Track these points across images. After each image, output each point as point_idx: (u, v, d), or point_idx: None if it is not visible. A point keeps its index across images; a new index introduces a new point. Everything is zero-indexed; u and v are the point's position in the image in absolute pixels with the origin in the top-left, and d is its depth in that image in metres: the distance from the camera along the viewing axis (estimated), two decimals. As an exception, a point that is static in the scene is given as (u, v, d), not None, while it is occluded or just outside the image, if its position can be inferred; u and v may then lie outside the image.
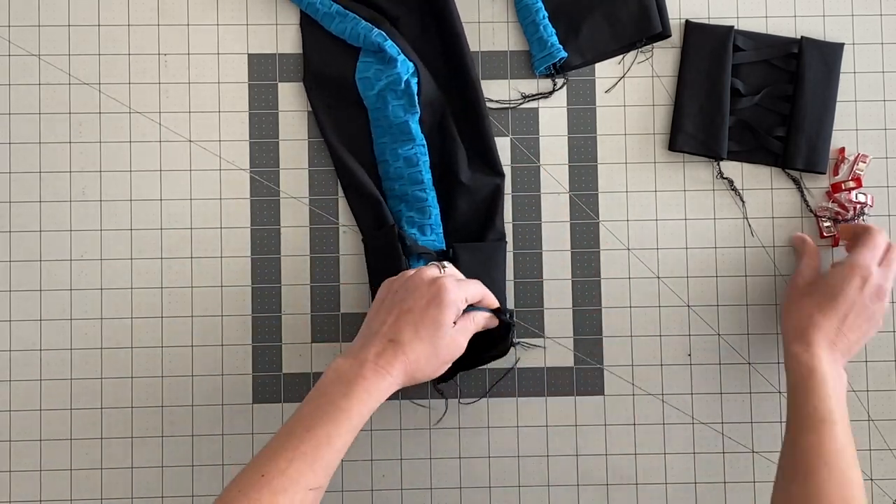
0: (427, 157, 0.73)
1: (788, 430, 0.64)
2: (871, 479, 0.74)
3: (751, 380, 0.75)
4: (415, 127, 0.72)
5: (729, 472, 0.74)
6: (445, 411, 0.74)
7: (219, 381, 0.74)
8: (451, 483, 0.74)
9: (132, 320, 0.74)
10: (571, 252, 0.75)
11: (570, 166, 0.76)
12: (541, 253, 0.75)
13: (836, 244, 0.75)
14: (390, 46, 0.72)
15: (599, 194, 0.75)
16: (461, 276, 0.67)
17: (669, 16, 0.76)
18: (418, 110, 0.72)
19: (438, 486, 0.74)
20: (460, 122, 0.74)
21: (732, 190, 0.75)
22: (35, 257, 0.74)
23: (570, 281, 0.75)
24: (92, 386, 0.74)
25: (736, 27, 0.75)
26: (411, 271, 0.64)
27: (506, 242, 0.74)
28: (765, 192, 0.76)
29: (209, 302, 0.74)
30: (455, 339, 0.62)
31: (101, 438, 0.73)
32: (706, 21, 0.76)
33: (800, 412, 0.64)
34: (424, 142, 0.73)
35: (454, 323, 0.62)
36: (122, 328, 0.74)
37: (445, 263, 0.67)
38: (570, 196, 0.75)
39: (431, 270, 0.64)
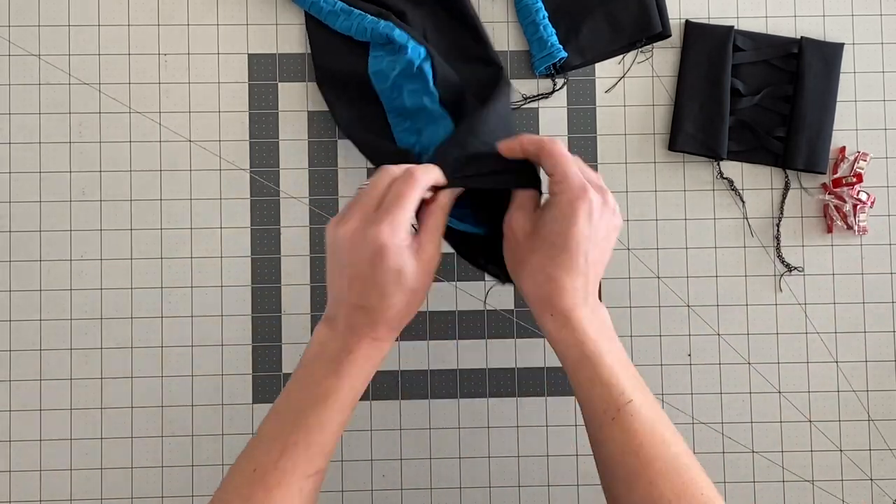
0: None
1: (588, 427, 0.55)
2: (871, 479, 0.74)
3: (751, 380, 0.75)
4: (435, 107, 0.70)
5: (729, 472, 0.74)
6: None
7: (219, 381, 0.74)
8: (451, 483, 0.74)
9: (132, 320, 0.74)
10: (571, 252, 0.75)
11: (570, 166, 0.76)
12: (541, 253, 0.75)
13: (830, 230, 0.74)
14: (399, 35, 0.70)
15: (599, 194, 0.75)
16: (383, 176, 0.55)
17: (669, 16, 0.76)
18: (436, 92, 0.70)
19: (438, 486, 0.74)
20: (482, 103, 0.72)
21: (732, 190, 0.75)
22: (35, 257, 0.74)
23: (570, 281, 0.75)
24: (92, 386, 0.74)
25: (736, 27, 0.75)
26: (337, 217, 0.55)
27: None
28: (765, 192, 0.76)
29: (209, 302, 0.74)
30: (423, 266, 0.54)
31: (101, 438, 0.74)
32: (706, 21, 0.76)
33: (591, 407, 0.54)
34: (449, 118, 0.70)
35: (412, 251, 0.54)
36: (122, 328, 0.74)
37: (366, 184, 0.56)
38: (570, 196, 0.75)
39: (352, 222, 0.54)
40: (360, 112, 0.73)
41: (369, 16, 0.72)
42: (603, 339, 0.54)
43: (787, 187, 0.75)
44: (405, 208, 0.53)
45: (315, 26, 0.75)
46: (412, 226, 0.56)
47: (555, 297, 0.54)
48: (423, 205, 0.57)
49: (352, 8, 0.73)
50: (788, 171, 0.76)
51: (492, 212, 0.60)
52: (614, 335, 0.56)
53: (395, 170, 0.55)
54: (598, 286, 0.56)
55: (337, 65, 0.74)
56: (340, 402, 0.54)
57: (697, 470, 0.52)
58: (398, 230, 0.53)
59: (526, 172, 0.59)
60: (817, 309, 0.75)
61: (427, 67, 0.70)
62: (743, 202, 0.75)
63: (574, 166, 0.55)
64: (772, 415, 0.75)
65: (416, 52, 0.70)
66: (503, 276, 0.61)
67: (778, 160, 0.75)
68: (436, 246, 0.56)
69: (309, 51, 0.75)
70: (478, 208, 0.61)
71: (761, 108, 0.75)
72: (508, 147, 0.58)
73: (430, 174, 0.55)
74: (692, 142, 0.75)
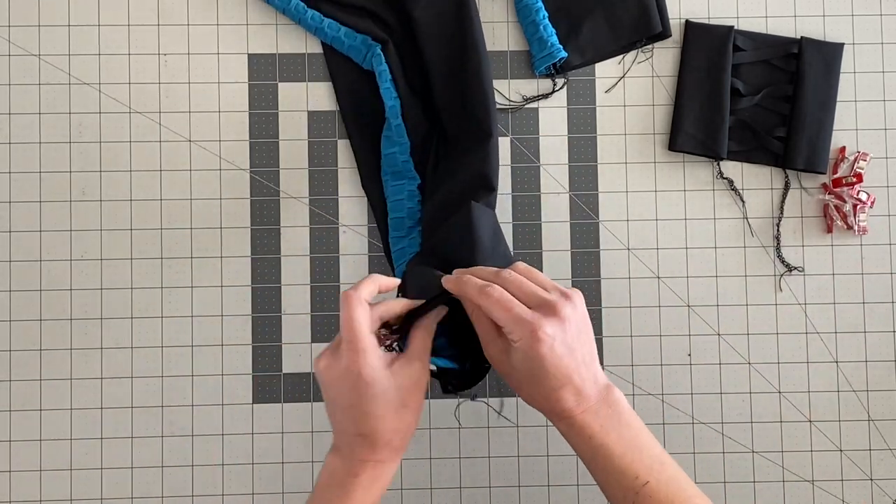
0: (418, 195, 0.73)
1: None
2: (872, 479, 0.74)
3: (751, 380, 0.75)
4: (405, 158, 0.73)
5: (729, 472, 0.74)
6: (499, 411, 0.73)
7: (219, 381, 0.74)
8: (451, 483, 0.74)
9: (132, 320, 0.74)
10: (571, 252, 0.75)
11: (570, 166, 0.76)
12: (541, 253, 0.75)
13: (830, 230, 0.74)
14: (381, 73, 0.73)
15: (599, 194, 0.75)
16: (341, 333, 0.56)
17: (669, 16, 0.76)
18: (407, 143, 0.73)
19: (438, 486, 0.74)
20: (458, 144, 0.73)
21: (732, 190, 0.75)
22: (35, 257, 0.74)
23: (570, 281, 0.75)
24: (92, 386, 0.74)
25: (736, 27, 0.75)
26: (317, 361, 0.56)
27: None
28: (765, 192, 0.76)
29: (209, 302, 0.74)
30: (410, 384, 0.56)
31: (101, 438, 0.73)
32: (706, 21, 0.76)
33: (612, 493, 0.56)
34: (416, 177, 0.73)
35: (397, 370, 0.55)
36: (122, 328, 0.74)
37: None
38: (570, 196, 0.75)
39: (324, 358, 0.56)
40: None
41: (360, 36, 0.74)
42: (611, 429, 0.56)
43: (787, 187, 0.75)
44: (358, 331, 0.54)
45: (331, 51, 0.75)
46: (395, 347, 0.58)
47: (556, 407, 0.56)
48: (411, 328, 0.58)
49: (352, 32, 0.74)
50: (788, 171, 0.76)
51: (463, 343, 0.61)
52: (623, 418, 0.56)
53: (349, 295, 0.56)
54: (596, 365, 0.57)
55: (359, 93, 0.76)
56: None
57: None
58: (366, 355, 0.54)
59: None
60: (817, 309, 0.75)
61: (398, 125, 0.72)
62: (743, 202, 0.75)
63: (515, 309, 0.55)
64: (772, 415, 0.75)
65: (392, 110, 0.72)
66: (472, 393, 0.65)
67: (778, 160, 0.75)
68: (423, 364, 0.57)
69: (315, 52, 0.75)
70: (452, 341, 0.62)
71: (761, 108, 0.75)
72: (449, 287, 0.59)
73: (366, 289, 0.56)
74: (692, 142, 0.75)
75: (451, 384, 0.61)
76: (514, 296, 0.56)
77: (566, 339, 0.55)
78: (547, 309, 0.55)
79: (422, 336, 0.57)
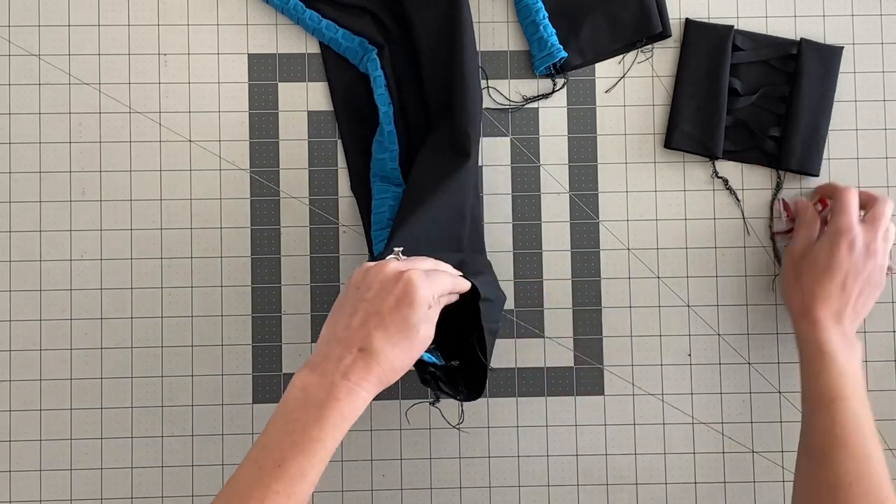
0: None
1: (804, 411, 0.65)
2: (871, 479, 0.74)
3: (751, 380, 0.75)
4: (393, 168, 0.73)
5: (729, 472, 0.74)
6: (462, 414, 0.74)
7: (219, 381, 0.74)
8: (451, 483, 0.74)
9: (132, 320, 0.74)
10: (571, 252, 0.75)
11: (570, 166, 0.76)
12: (541, 253, 0.75)
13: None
14: (376, 79, 0.73)
15: (599, 194, 0.75)
16: (422, 263, 0.59)
17: (669, 15, 0.76)
18: (396, 149, 0.73)
19: (438, 486, 0.74)
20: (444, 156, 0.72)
21: (727, 189, 0.75)
22: (35, 257, 0.74)
23: (570, 281, 0.75)
24: (92, 386, 0.74)
25: (736, 27, 0.75)
26: (370, 264, 0.57)
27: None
28: (764, 192, 0.76)
29: (209, 302, 0.74)
30: (427, 331, 0.56)
31: (101, 438, 0.74)
32: (706, 21, 0.76)
33: (811, 392, 0.64)
34: (402, 184, 0.73)
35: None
36: (122, 328, 0.74)
37: (399, 250, 0.60)
38: (570, 196, 0.75)
39: (393, 263, 0.57)
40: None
41: (357, 38, 0.74)
42: (842, 349, 0.65)
43: (778, 188, 0.75)
44: (443, 287, 0.57)
45: (328, 52, 0.75)
46: None
47: (812, 306, 0.66)
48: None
49: (350, 35, 0.74)
50: (782, 172, 0.75)
51: (450, 347, 0.63)
52: (854, 353, 0.66)
53: (444, 265, 0.60)
54: (856, 320, 0.67)
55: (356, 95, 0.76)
56: (323, 453, 0.52)
57: (882, 467, 0.60)
58: (430, 292, 0.55)
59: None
60: (817, 309, 0.75)
61: (391, 132, 0.72)
62: (738, 201, 0.75)
63: (854, 206, 0.68)
64: (772, 415, 0.75)
65: (386, 116, 0.72)
66: (460, 395, 0.63)
67: (773, 160, 0.75)
68: (433, 328, 0.56)
69: (313, 51, 0.75)
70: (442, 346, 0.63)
71: (758, 107, 0.75)
72: (822, 189, 0.73)
73: (458, 284, 0.59)
74: (688, 140, 0.75)
75: (439, 388, 0.62)
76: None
77: (859, 261, 0.66)
78: (872, 220, 0.68)
79: (434, 288, 0.57)
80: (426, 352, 0.60)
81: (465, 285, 0.60)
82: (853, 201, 0.68)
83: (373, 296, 0.55)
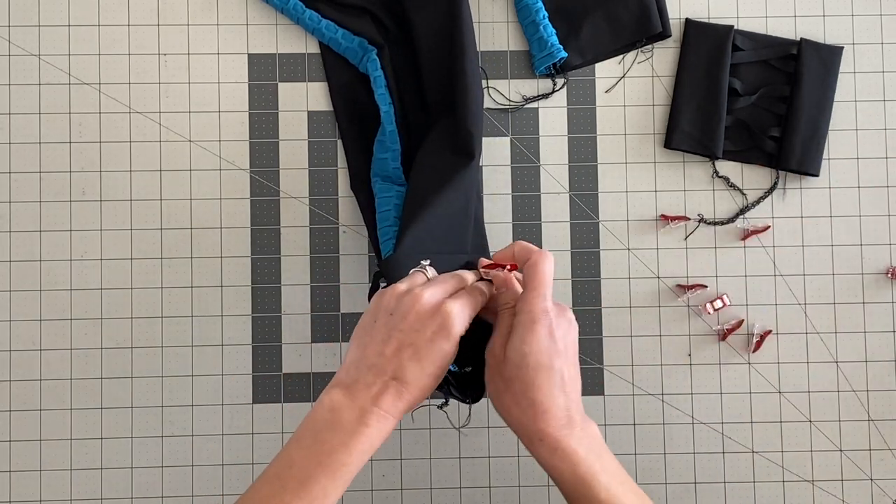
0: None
1: None
2: (871, 479, 0.74)
3: (751, 380, 0.75)
4: (396, 168, 0.73)
5: (729, 472, 0.74)
6: (469, 415, 0.73)
7: (219, 381, 0.74)
8: (451, 483, 0.74)
9: (132, 320, 0.74)
10: (571, 252, 0.75)
11: (570, 166, 0.76)
12: (541, 253, 0.75)
13: (723, 338, 0.73)
14: (376, 79, 0.73)
15: (599, 194, 0.75)
16: (448, 281, 0.57)
17: (669, 15, 0.76)
18: (399, 148, 0.73)
19: (438, 486, 0.74)
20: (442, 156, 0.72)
21: (731, 187, 0.75)
22: (35, 257, 0.74)
23: (570, 281, 0.75)
24: (92, 386, 0.74)
25: (736, 27, 0.75)
26: (403, 286, 0.55)
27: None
28: (763, 192, 0.76)
29: (209, 302, 0.74)
30: (454, 350, 0.55)
31: (101, 438, 0.74)
32: (706, 21, 0.76)
33: None
34: (405, 183, 0.73)
35: None
36: (122, 328, 0.74)
37: (427, 265, 0.59)
38: (570, 196, 0.75)
39: (429, 292, 0.54)
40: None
41: (356, 38, 0.74)
42: (595, 459, 0.54)
43: (773, 187, 0.75)
44: (476, 301, 0.56)
45: (328, 52, 0.75)
46: None
47: (540, 421, 0.54)
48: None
49: (350, 35, 0.74)
50: (780, 172, 0.75)
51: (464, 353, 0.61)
52: (605, 451, 0.55)
53: (468, 276, 0.58)
54: (579, 398, 0.56)
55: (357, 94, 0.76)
56: (348, 476, 0.52)
57: None
58: (467, 317, 0.54)
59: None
60: (817, 309, 0.75)
61: (392, 131, 0.72)
62: (744, 194, 0.75)
63: (549, 281, 0.56)
64: (772, 415, 0.75)
65: (387, 116, 0.72)
66: (468, 398, 0.62)
67: (772, 160, 0.75)
68: (456, 348, 0.55)
69: (314, 51, 0.75)
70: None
71: (758, 108, 0.75)
72: (500, 255, 0.60)
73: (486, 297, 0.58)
74: (688, 140, 0.75)
75: (451, 392, 0.61)
76: None
77: (566, 340, 0.55)
78: (559, 306, 0.57)
79: (468, 315, 0.56)
80: None
81: (489, 293, 0.59)
82: (548, 274, 0.56)
83: (408, 327, 0.53)
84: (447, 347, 0.53)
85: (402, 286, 0.55)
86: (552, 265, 0.56)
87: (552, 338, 0.54)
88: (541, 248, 0.74)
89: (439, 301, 0.54)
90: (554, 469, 0.54)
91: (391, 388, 0.53)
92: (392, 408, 0.53)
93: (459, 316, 0.54)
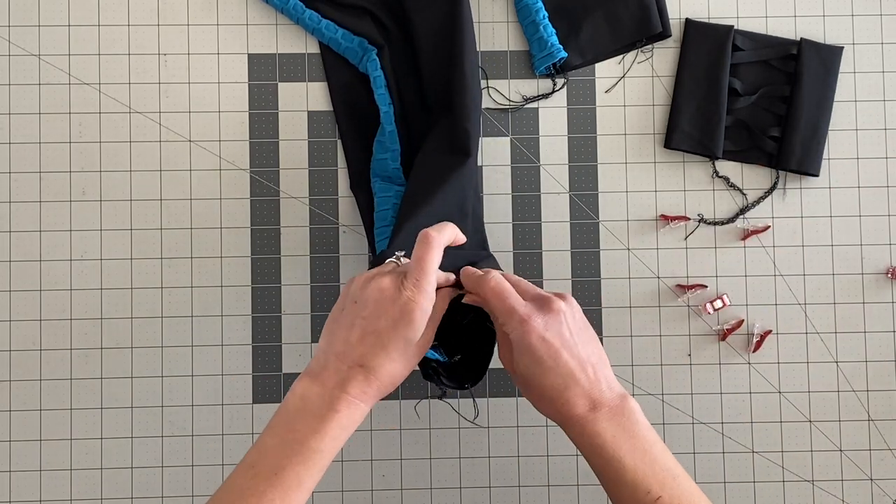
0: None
1: None
2: (871, 479, 0.74)
3: (751, 380, 0.75)
4: (396, 168, 0.73)
5: (729, 472, 0.74)
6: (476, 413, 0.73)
7: (219, 381, 0.74)
8: (451, 483, 0.74)
9: (132, 320, 0.74)
10: (571, 252, 0.75)
11: (570, 166, 0.76)
12: (541, 253, 0.75)
13: (723, 338, 0.74)
14: (376, 79, 0.73)
15: (599, 194, 0.76)
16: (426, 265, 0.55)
17: (669, 16, 0.76)
18: (398, 148, 0.73)
19: (438, 486, 0.74)
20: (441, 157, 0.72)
21: (731, 187, 0.75)
22: (35, 257, 0.74)
23: (570, 281, 0.75)
24: (92, 386, 0.74)
25: (736, 27, 0.75)
26: (372, 272, 0.56)
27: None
28: (763, 192, 0.76)
29: (209, 302, 0.74)
30: (427, 337, 0.55)
31: (101, 438, 0.73)
32: (706, 21, 0.76)
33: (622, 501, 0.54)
34: (405, 183, 0.73)
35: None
36: (122, 328, 0.74)
37: (402, 255, 0.59)
38: (570, 196, 0.76)
39: (388, 279, 0.54)
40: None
41: (356, 39, 0.74)
42: (625, 439, 0.54)
43: (773, 188, 0.75)
44: (429, 271, 0.54)
45: (327, 51, 0.75)
46: None
47: (564, 411, 0.55)
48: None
49: (350, 35, 0.74)
50: (780, 172, 0.75)
51: (452, 341, 0.62)
52: (639, 426, 0.55)
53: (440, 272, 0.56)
54: (608, 371, 0.56)
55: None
56: (321, 462, 0.53)
57: None
58: (429, 297, 0.54)
59: None
60: (818, 309, 0.75)
61: (391, 131, 0.72)
62: (744, 195, 0.75)
63: (509, 299, 0.55)
64: (772, 415, 0.75)
65: (386, 116, 0.72)
66: (466, 384, 0.62)
67: (772, 160, 0.75)
68: (433, 332, 0.56)
69: (314, 51, 0.75)
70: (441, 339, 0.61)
71: (758, 108, 0.75)
72: (461, 277, 0.59)
73: (447, 234, 0.56)
74: (688, 140, 0.75)
75: (443, 382, 0.61)
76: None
77: (562, 333, 0.55)
78: (540, 301, 0.56)
79: (442, 300, 0.57)
80: (430, 349, 0.60)
81: (462, 237, 0.59)
82: (498, 290, 0.55)
83: (370, 314, 0.54)
84: (410, 335, 0.53)
85: (368, 274, 0.56)
86: (496, 279, 0.56)
87: (545, 341, 0.54)
88: (541, 247, 0.75)
89: (399, 287, 0.54)
90: (583, 450, 0.55)
91: (358, 374, 0.53)
92: (361, 394, 0.53)
93: (420, 304, 0.53)
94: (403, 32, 0.74)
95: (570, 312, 0.56)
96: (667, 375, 0.75)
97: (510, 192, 0.75)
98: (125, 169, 0.75)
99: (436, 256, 0.54)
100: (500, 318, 0.56)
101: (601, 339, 0.74)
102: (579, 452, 0.56)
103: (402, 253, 0.59)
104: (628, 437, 0.54)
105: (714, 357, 0.75)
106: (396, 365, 0.54)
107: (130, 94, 0.75)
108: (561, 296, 0.57)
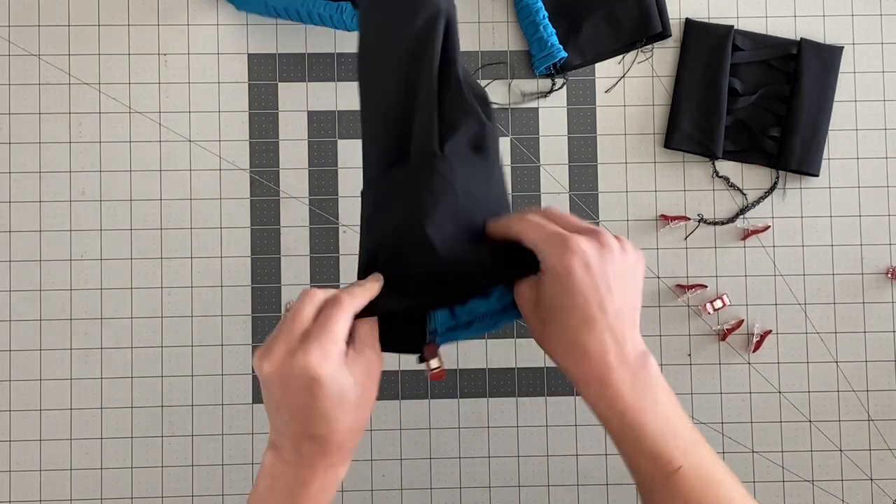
0: None
1: (638, 491, 0.51)
2: (871, 479, 0.74)
3: (751, 380, 0.75)
4: None
5: (729, 472, 0.74)
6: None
7: (219, 381, 0.74)
8: (451, 483, 0.74)
9: (132, 320, 0.74)
10: (571, 252, 0.75)
11: (570, 166, 0.76)
12: (541, 253, 0.75)
13: (723, 338, 0.74)
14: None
15: (599, 194, 0.76)
16: (297, 326, 0.48)
17: (669, 16, 0.76)
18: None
19: (438, 486, 0.74)
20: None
21: (731, 187, 0.75)
22: (35, 257, 0.74)
23: (570, 281, 0.75)
24: (92, 386, 0.74)
25: (736, 27, 0.75)
26: (261, 349, 0.49)
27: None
28: (763, 192, 0.76)
29: (209, 302, 0.74)
30: (365, 376, 0.50)
31: (101, 438, 0.74)
32: (706, 21, 0.76)
33: (637, 474, 0.50)
34: None
35: (350, 365, 0.49)
36: (122, 328, 0.74)
37: (288, 303, 0.53)
38: (570, 196, 0.76)
39: (279, 351, 0.48)
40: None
41: None
42: (648, 404, 0.49)
43: (773, 188, 0.75)
44: (334, 333, 0.48)
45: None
46: None
47: (584, 365, 0.49)
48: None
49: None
50: (780, 172, 0.75)
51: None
52: (660, 391, 0.50)
53: (320, 294, 0.50)
54: (636, 333, 0.50)
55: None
56: None
57: None
58: (329, 355, 0.47)
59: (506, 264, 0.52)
60: (817, 309, 0.75)
61: None
62: (744, 195, 0.75)
63: (550, 226, 0.50)
64: (772, 415, 0.75)
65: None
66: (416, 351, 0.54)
67: (772, 160, 0.75)
68: (376, 351, 0.51)
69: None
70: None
71: (758, 108, 0.75)
72: (492, 232, 0.53)
73: (357, 300, 0.50)
74: (688, 140, 0.75)
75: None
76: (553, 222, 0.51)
77: (605, 270, 0.48)
78: (593, 233, 0.50)
79: (366, 323, 0.51)
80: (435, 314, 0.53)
81: (376, 287, 0.51)
82: (538, 221, 0.50)
83: (281, 396, 0.48)
84: (329, 402, 0.48)
85: (260, 351, 0.49)
86: (538, 213, 0.51)
87: (588, 268, 0.48)
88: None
89: (287, 361, 0.47)
90: (601, 414, 0.50)
91: (312, 446, 0.49)
92: (323, 459, 0.50)
93: (326, 367, 0.47)
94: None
95: (623, 255, 0.50)
96: (667, 375, 0.74)
97: (510, 192, 0.75)
98: (125, 169, 0.75)
99: (343, 321, 0.48)
100: (538, 247, 0.49)
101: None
102: (597, 420, 0.51)
103: (288, 302, 0.53)
104: (650, 402, 0.49)
105: (714, 357, 0.75)
106: (343, 421, 0.49)
107: (130, 94, 0.75)
108: (618, 238, 0.51)
